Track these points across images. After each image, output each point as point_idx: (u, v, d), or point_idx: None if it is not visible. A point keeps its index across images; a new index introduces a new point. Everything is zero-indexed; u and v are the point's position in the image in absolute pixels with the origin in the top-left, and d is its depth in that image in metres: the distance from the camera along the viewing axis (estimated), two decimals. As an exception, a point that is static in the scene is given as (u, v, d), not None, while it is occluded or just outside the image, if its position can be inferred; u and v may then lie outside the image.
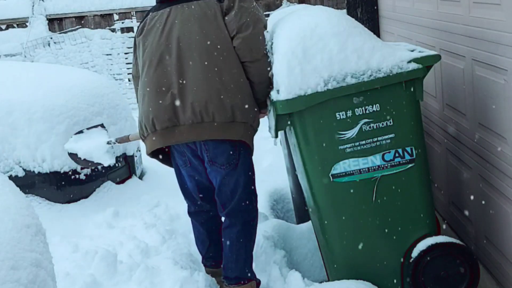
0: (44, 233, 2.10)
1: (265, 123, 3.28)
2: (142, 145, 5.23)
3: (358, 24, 3.04)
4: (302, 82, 2.85)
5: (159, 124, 3.13)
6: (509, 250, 2.93)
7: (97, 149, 4.01)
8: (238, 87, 3.09)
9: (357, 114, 2.91)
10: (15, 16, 10.16)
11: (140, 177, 5.84)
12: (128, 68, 9.90)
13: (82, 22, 10.09)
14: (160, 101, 3.11)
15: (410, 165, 2.97)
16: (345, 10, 5.67)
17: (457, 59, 3.34)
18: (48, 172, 4.96)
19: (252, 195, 3.31)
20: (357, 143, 2.94)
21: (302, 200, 3.59)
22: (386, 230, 3.02)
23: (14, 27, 10.23)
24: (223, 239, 3.36)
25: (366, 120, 2.92)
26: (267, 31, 3.16)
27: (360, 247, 3.03)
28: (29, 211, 2.05)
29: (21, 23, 10.19)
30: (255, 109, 3.19)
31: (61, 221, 4.70)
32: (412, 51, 3.03)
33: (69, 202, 5.04)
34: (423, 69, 2.89)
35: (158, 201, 4.96)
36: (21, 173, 4.96)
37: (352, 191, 2.97)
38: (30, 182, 4.97)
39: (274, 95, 2.91)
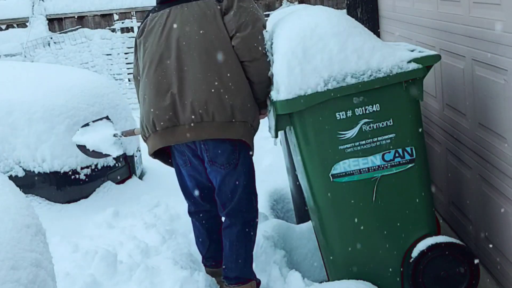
0: (44, 233, 2.10)
1: (265, 123, 3.28)
2: (142, 145, 5.24)
3: (358, 24, 3.04)
4: (302, 82, 2.86)
5: (160, 124, 3.13)
6: (509, 250, 2.93)
7: (104, 141, 4.06)
8: (237, 87, 3.09)
9: (357, 114, 2.91)
10: (15, 16, 10.16)
11: (140, 177, 5.84)
12: (128, 68, 9.90)
13: (82, 22, 10.09)
14: (160, 102, 3.11)
15: (410, 165, 2.97)
16: (345, 10, 5.68)
17: (457, 59, 3.34)
18: (48, 172, 4.96)
19: (252, 195, 3.31)
20: (357, 143, 2.94)
21: (302, 200, 3.59)
22: (386, 230, 3.02)
23: (14, 27, 10.23)
24: (223, 239, 3.36)
25: (366, 120, 2.92)
26: (266, 31, 3.17)
27: (360, 247, 3.04)
28: (29, 211, 2.05)
29: (21, 23, 10.19)
30: (255, 109, 3.19)
31: (61, 221, 4.70)
32: (412, 51, 3.03)
33: (69, 202, 5.04)
34: (423, 69, 2.89)
35: (158, 201, 4.97)
36: (21, 173, 4.96)
37: (352, 191, 2.98)
38: (30, 182, 4.97)
39: (274, 95, 2.91)
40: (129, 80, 9.97)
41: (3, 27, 10.21)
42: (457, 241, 3.03)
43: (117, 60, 9.98)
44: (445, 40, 3.50)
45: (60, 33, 9.97)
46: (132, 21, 10.08)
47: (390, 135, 2.94)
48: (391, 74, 2.87)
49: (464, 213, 3.49)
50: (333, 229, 3.04)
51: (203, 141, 3.15)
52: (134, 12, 10.12)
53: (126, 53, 9.96)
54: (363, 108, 2.91)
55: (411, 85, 2.91)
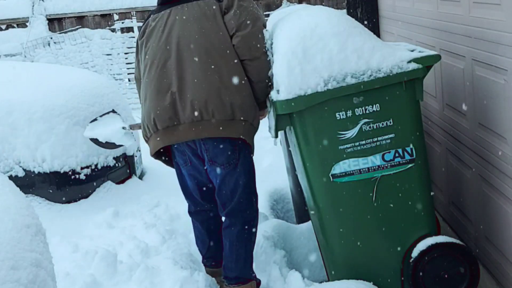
0: (44, 233, 2.10)
1: (265, 123, 3.28)
2: (142, 145, 5.25)
3: (358, 24, 3.04)
4: (302, 82, 2.86)
5: (160, 123, 3.14)
6: (509, 250, 2.93)
7: (115, 132, 4.09)
8: (237, 86, 3.09)
9: (357, 114, 2.91)
10: (15, 16, 10.16)
11: (140, 177, 5.84)
12: (128, 68, 9.91)
13: (82, 22, 10.09)
14: (161, 101, 3.12)
15: (410, 165, 2.97)
16: (345, 10, 5.67)
17: (457, 59, 3.34)
18: (48, 172, 4.96)
19: (252, 195, 3.31)
20: (357, 143, 2.93)
21: (302, 200, 3.59)
22: (386, 230, 3.02)
23: (14, 27, 10.23)
24: (223, 239, 3.36)
25: (366, 120, 2.92)
26: (266, 30, 3.17)
27: (360, 247, 3.03)
28: (29, 211, 2.05)
29: (21, 23, 10.19)
30: (255, 108, 3.19)
31: (61, 221, 4.70)
32: (412, 51, 3.03)
33: (69, 202, 5.05)
34: (423, 69, 2.89)
35: (158, 201, 4.97)
36: (21, 173, 4.97)
37: (352, 191, 2.97)
38: (30, 182, 4.98)
39: (274, 95, 2.91)
40: (129, 80, 9.97)
41: (3, 27, 10.21)
42: (457, 241, 3.03)
43: (117, 60, 9.98)
44: (445, 40, 3.50)
45: (60, 33, 9.97)
46: (132, 21, 10.08)
47: (390, 135, 2.94)
48: (391, 74, 2.86)
49: (464, 213, 3.49)
50: (333, 229, 3.04)
51: (203, 141, 3.15)
52: (134, 12, 10.12)
53: (126, 53, 9.96)
54: (363, 108, 2.91)
55: (411, 85, 2.91)
